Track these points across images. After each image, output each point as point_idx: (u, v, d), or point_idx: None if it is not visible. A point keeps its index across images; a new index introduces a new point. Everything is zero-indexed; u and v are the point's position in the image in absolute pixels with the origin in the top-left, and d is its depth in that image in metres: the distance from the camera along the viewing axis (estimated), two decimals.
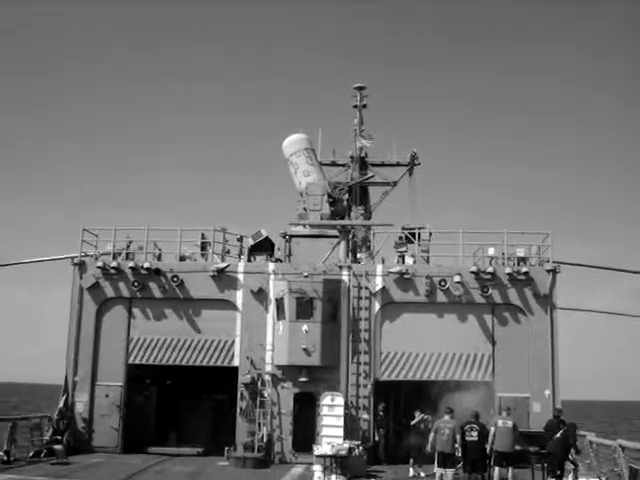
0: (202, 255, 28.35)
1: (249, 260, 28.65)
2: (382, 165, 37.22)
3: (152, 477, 21.99)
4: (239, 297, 26.99)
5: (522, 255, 27.16)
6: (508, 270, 26.34)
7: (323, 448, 21.98)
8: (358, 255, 30.14)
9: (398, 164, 37.09)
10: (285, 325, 26.10)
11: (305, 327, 25.78)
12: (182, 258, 28.06)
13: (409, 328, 26.66)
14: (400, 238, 28.72)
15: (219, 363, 27.03)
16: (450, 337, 26.35)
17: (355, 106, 36.04)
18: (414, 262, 27.59)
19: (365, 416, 25.97)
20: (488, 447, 20.21)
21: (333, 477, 21.13)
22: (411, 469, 23.35)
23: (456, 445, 20.27)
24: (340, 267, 27.13)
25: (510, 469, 20.14)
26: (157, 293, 27.19)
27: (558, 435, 19.96)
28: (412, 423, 24.23)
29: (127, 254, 27.97)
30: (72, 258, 27.87)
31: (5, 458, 23.20)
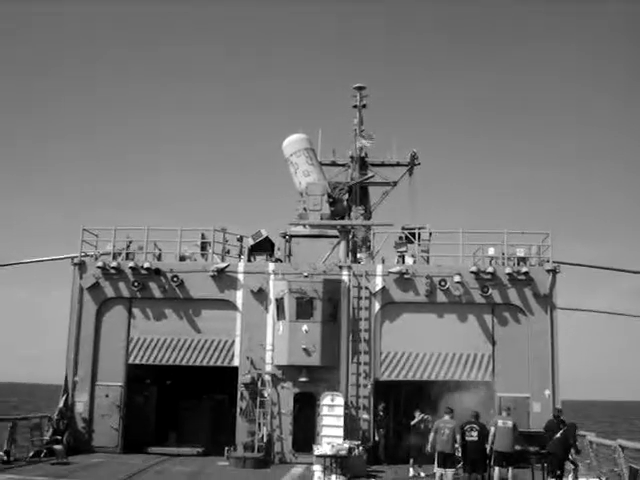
0: (202, 255, 28.36)
1: (249, 260, 28.65)
2: (382, 165, 37.22)
3: (152, 477, 21.98)
4: (239, 297, 26.99)
5: (522, 255, 27.17)
6: (508, 270, 26.34)
7: (323, 448, 21.97)
8: (358, 255, 30.14)
9: (398, 164, 37.07)
10: (285, 325, 26.10)
11: (305, 327, 25.79)
12: (182, 258, 28.06)
13: (409, 328, 26.67)
14: (400, 238, 28.73)
15: (219, 363, 27.03)
16: (450, 337, 26.36)
17: (355, 106, 36.03)
18: (414, 262, 27.59)
19: (365, 416, 25.97)
20: (488, 447, 20.22)
21: (333, 477, 21.12)
22: (411, 469, 23.35)
23: (456, 445, 20.27)
24: (340, 267, 27.13)
25: (510, 469, 20.14)
26: (157, 293, 27.20)
27: (558, 435, 19.96)
28: (412, 423, 24.23)
29: (127, 254, 27.96)
30: (72, 258, 27.87)
31: (5, 458, 23.19)
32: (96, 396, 26.86)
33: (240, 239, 29.06)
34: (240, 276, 27.10)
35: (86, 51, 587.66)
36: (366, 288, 26.72)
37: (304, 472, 23.35)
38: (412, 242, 28.16)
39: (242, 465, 24.16)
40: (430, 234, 28.44)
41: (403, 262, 27.85)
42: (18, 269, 35.38)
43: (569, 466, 20.49)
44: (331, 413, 24.96)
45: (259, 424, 25.90)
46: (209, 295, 27.08)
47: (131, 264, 27.03)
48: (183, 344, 27.15)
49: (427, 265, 27.57)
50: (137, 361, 27.27)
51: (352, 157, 36.21)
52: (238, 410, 26.35)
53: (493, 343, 26.53)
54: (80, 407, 26.75)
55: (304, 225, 30.53)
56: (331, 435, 24.22)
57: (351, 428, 25.45)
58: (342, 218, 31.51)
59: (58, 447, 24.49)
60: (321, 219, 30.26)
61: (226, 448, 25.37)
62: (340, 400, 25.16)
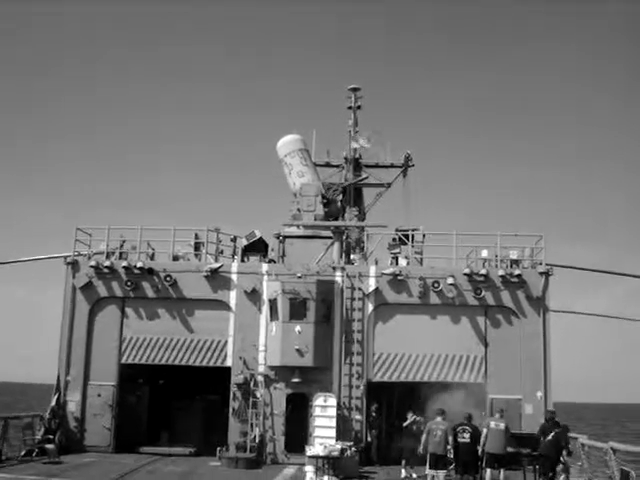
0: (195, 255, 28.35)
1: (242, 260, 28.65)
2: (376, 166, 37.20)
3: (144, 477, 21.96)
4: (232, 297, 26.98)
5: (515, 257, 27.24)
6: (501, 272, 26.42)
7: (315, 449, 21.96)
8: (352, 256, 30.13)
9: (392, 165, 37.04)
10: (278, 326, 26.10)
11: (298, 328, 25.80)
12: (175, 258, 28.04)
13: (402, 329, 26.69)
14: (394, 240, 28.78)
15: (212, 363, 27.02)
16: (443, 339, 26.40)
17: (349, 107, 36.04)
18: (407, 264, 27.64)
19: (358, 417, 26.00)
20: (480, 449, 20.26)
21: (325, 478, 21.10)
22: (403, 470, 23.37)
23: (448, 447, 20.30)
24: (333, 268, 27.14)
25: (502, 471, 20.22)
26: (150, 293, 27.17)
27: (550, 437, 20.02)
28: (404, 424, 24.29)
29: (120, 253, 27.93)
30: (65, 257, 27.82)
31: None
32: (88, 395, 26.81)
33: (234, 239, 29.06)
34: (233, 276, 27.10)
35: (86, 51, 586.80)
36: (359, 289, 26.74)
37: (296, 473, 23.34)
38: (405, 244, 28.21)
39: (234, 465, 24.15)
40: (424, 236, 28.51)
41: (396, 263, 27.89)
42: (16, 268, 35.31)
43: (560, 468, 20.52)
44: (324, 414, 24.96)
45: (251, 424, 25.90)
46: (202, 295, 27.06)
47: (124, 263, 27.00)
48: (176, 344, 27.12)
49: (420, 267, 27.60)
50: (130, 361, 27.23)
51: (346, 158, 36.20)
52: (230, 410, 26.33)
53: (486, 345, 26.58)
54: (72, 406, 26.70)
55: (298, 226, 30.57)
56: (323, 436, 24.19)
57: (343, 429, 25.46)
58: (336, 219, 31.51)
59: (50, 446, 24.46)
60: (315, 220, 30.27)
61: (218, 448, 25.35)
62: (333, 401, 25.16)
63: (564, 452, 20.39)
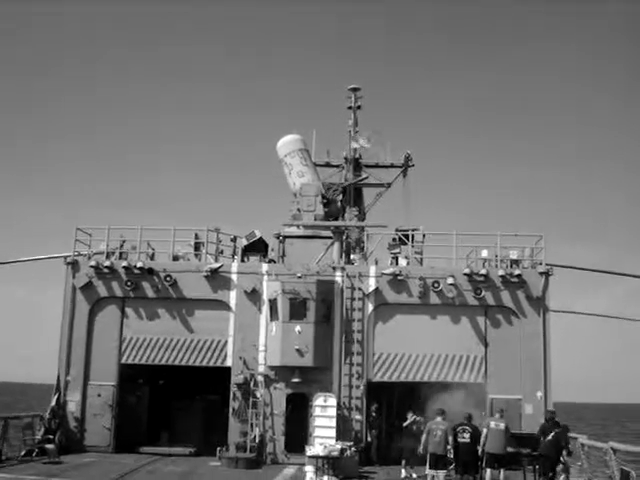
0: (195, 255, 28.35)
1: (242, 260, 28.65)
2: (376, 166, 37.20)
3: (144, 477, 21.96)
4: (232, 297, 26.97)
5: (515, 257, 27.23)
6: (501, 272, 26.42)
7: (315, 449, 21.96)
8: (352, 256, 30.13)
9: (392, 165, 37.04)
10: (278, 326, 26.10)
11: (298, 328, 25.80)
12: (175, 258, 28.04)
13: (402, 329, 26.69)
14: (394, 240, 28.78)
15: (212, 363, 27.01)
16: (443, 339, 26.40)
17: (349, 107, 36.03)
18: (407, 264, 27.64)
19: (358, 417, 26.00)
20: (480, 449, 20.26)
21: (325, 478, 21.10)
22: (403, 470, 23.37)
23: (448, 447, 20.30)
24: (333, 268, 27.14)
25: (502, 471, 20.21)
26: (150, 293, 27.16)
27: (550, 437, 20.03)
28: (404, 424, 24.28)
29: (120, 253, 27.93)
30: (65, 257, 27.82)
31: None
32: (88, 395, 26.80)
33: (234, 239, 29.05)
34: (233, 276, 27.09)
35: (86, 51, 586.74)
36: (359, 289, 26.74)
37: (296, 473, 23.34)
38: (405, 244, 28.21)
39: (234, 465, 24.15)
40: (424, 236, 28.52)
41: (396, 263, 27.89)
42: (16, 268, 35.32)
43: (560, 467, 20.53)
44: (323, 414, 24.96)
45: (251, 424, 25.89)
46: (202, 295, 27.05)
47: (124, 263, 26.99)
48: (176, 344, 27.12)
49: (420, 267, 27.60)
50: (130, 361, 27.22)
51: (346, 158, 36.20)
52: (230, 410, 26.33)
53: (486, 345, 26.58)
54: (72, 406, 26.69)
55: (298, 226, 30.57)
56: (323, 436, 24.19)
57: (343, 429, 25.46)
58: (336, 219, 31.51)
59: (50, 446, 24.46)
60: (315, 220, 30.27)
61: (218, 448, 25.34)
62: (333, 401, 25.16)
63: (564, 452, 20.40)
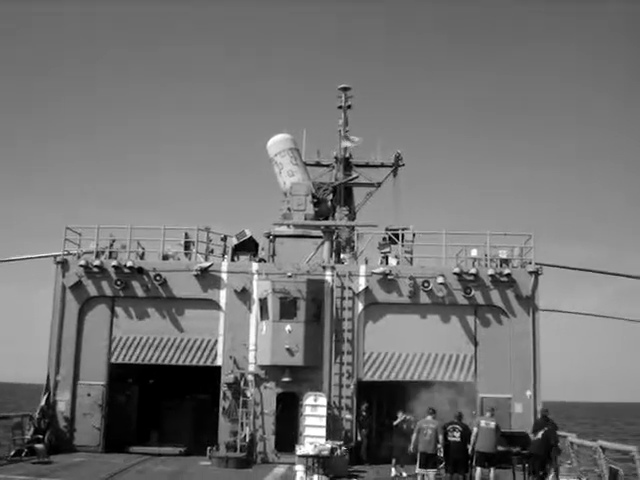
0: (185, 254, 28.29)
1: (233, 260, 28.63)
2: (366, 166, 37.26)
3: (134, 476, 21.94)
4: (222, 297, 26.95)
5: (504, 257, 27.30)
6: (491, 272, 26.45)
7: (305, 448, 21.97)
8: (342, 256, 30.14)
9: (382, 165, 37.11)
10: (268, 325, 26.09)
11: (288, 327, 25.79)
12: (165, 257, 27.98)
13: (392, 329, 26.72)
14: (384, 239, 28.83)
15: (202, 362, 26.97)
16: (433, 338, 26.45)
17: (340, 107, 36.05)
18: (397, 263, 27.66)
19: (348, 416, 26.00)
20: (470, 447, 20.30)
21: (315, 477, 21.14)
22: (393, 469, 23.35)
23: (438, 445, 20.35)
24: (324, 267, 27.15)
25: (492, 469, 20.24)
26: (140, 292, 27.10)
27: (539, 436, 20.14)
28: (394, 423, 24.27)
29: (110, 253, 27.86)
30: (55, 257, 27.72)
31: None
32: (78, 395, 26.73)
33: (224, 239, 29.03)
34: (224, 276, 27.06)
35: (86, 51, 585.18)
36: (349, 288, 26.75)
37: (286, 472, 23.35)
38: (395, 243, 28.26)
39: (224, 465, 24.13)
40: (414, 235, 28.55)
41: (387, 263, 27.91)
42: (6, 267, 35.28)
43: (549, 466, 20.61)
44: (314, 413, 24.99)
45: (242, 424, 25.88)
46: (192, 294, 27.01)
47: (114, 263, 26.91)
48: (166, 343, 27.07)
49: (410, 266, 27.65)
50: (119, 360, 27.15)
51: (336, 158, 36.24)
52: (221, 410, 26.31)
53: (475, 344, 26.65)
54: (62, 406, 26.60)
55: (288, 225, 30.56)
56: (314, 435, 24.24)
57: (334, 428, 25.47)
58: (326, 218, 31.57)
59: (39, 446, 24.40)
60: (305, 219, 30.31)
61: (208, 448, 25.32)
62: (323, 400, 25.19)
63: (553, 450, 20.49)
